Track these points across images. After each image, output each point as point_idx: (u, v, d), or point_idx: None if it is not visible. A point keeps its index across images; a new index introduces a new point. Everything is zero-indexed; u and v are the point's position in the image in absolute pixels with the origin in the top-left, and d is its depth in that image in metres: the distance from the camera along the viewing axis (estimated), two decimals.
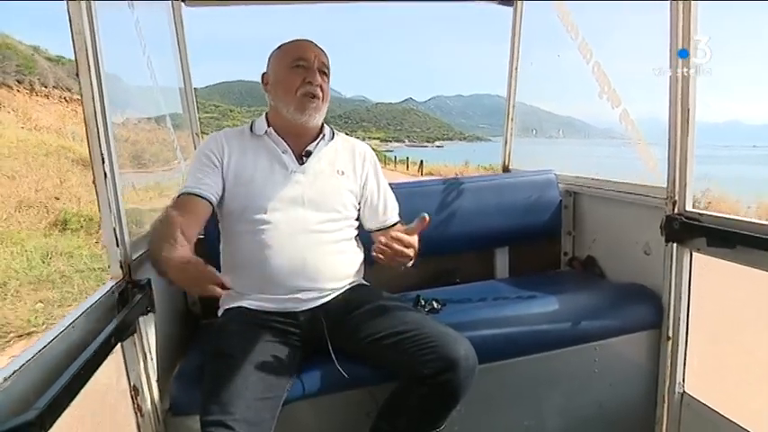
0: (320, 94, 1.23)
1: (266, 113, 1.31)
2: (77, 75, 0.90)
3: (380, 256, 1.08)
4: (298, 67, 1.22)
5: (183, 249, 0.95)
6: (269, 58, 1.29)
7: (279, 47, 1.28)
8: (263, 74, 1.30)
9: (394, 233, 1.08)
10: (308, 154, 1.27)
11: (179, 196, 1.19)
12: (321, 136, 1.30)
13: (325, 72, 1.25)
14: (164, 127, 1.73)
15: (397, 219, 1.37)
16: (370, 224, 1.36)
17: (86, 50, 0.90)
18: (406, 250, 1.08)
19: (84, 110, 0.92)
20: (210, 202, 1.19)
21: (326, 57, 1.26)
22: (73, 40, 0.89)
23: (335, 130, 1.36)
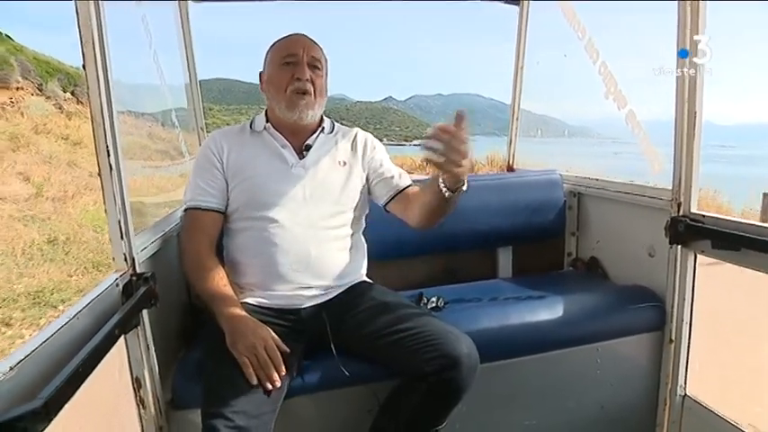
0: (311, 89, 1.21)
1: (265, 111, 1.30)
2: (84, 67, 0.91)
3: (432, 153, 0.91)
4: (287, 64, 1.21)
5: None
6: (264, 57, 1.28)
7: (272, 44, 1.26)
8: (260, 72, 1.29)
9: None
10: (308, 148, 1.26)
11: (187, 210, 1.22)
12: (321, 129, 1.30)
13: (317, 66, 1.23)
14: (170, 123, 1.75)
15: (409, 182, 1.32)
16: (384, 195, 1.30)
17: (93, 44, 0.90)
18: (459, 146, 0.90)
19: (90, 103, 0.92)
20: (221, 212, 1.22)
21: (319, 50, 1.24)
22: (80, 34, 0.89)
23: (336, 122, 1.35)
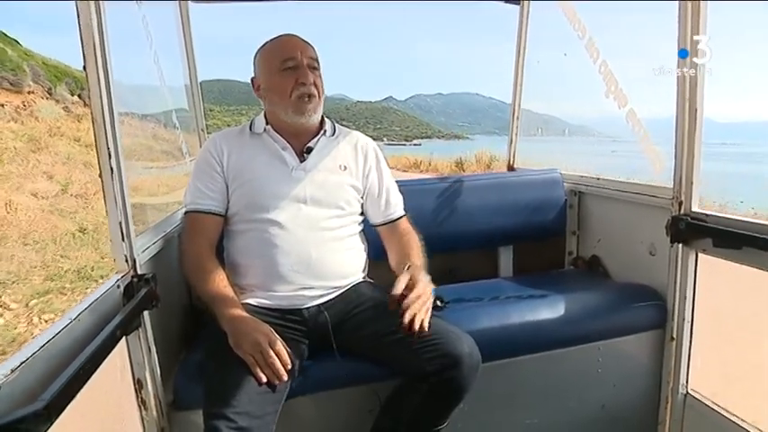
0: (315, 92, 1.21)
1: (264, 112, 1.30)
2: (84, 68, 0.91)
3: (411, 328, 1.07)
4: (287, 69, 1.20)
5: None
6: (255, 61, 1.27)
7: (263, 47, 1.26)
8: (252, 78, 1.29)
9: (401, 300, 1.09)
10: (309, 150, 1.26)
11: (187, 213, 1.23)
12: (322, 132, 1.29)
13: (315, 66, 1.23)
14: (171, 124, 1.76)
15: (401, 212, 1.37)
16: (374, 218, 1.36)
17: (94, 45, 0.90)
18: (423, 301, 1.11)
19: (91, 104, 0.92)
20: (220, 215, 1.23)
21: (313, 49, 1.24)
22: (81, 35, 0.89)
23: (337, 125, 1.35)
